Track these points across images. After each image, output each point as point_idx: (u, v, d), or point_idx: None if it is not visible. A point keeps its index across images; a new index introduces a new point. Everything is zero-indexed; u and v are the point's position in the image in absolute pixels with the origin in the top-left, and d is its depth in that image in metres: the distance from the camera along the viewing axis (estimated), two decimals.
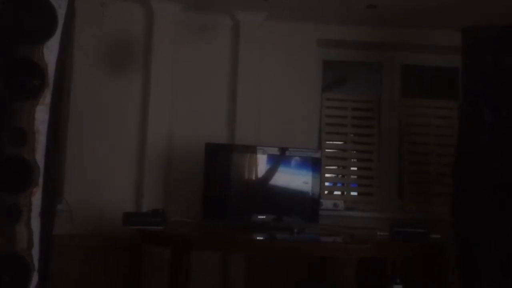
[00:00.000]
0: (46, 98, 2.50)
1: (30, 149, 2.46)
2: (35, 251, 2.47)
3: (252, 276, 3.96)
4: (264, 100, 4.13)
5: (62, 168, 3.73)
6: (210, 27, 4.13)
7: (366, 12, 3.89)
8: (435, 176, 4.25)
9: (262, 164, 3.74)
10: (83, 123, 3.83)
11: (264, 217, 3.66)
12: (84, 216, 3.74)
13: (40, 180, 2.48)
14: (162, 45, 3.96)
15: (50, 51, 2.52)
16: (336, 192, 4.44)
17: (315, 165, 3.77)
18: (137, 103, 3.98)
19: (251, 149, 3.77)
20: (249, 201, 3.71)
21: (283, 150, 3.75)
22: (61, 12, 2.55)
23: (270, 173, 3.74)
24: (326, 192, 4.30)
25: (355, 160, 4.44)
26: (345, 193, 4.40)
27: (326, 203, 4.02)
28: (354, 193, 4.38)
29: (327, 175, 4.29)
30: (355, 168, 4.41)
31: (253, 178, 3.77)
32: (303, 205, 3.74)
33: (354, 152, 4.39)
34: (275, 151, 3.76)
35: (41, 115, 2.49)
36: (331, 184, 4.39)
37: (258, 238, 3.38)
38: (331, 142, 4.37)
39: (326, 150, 4.28)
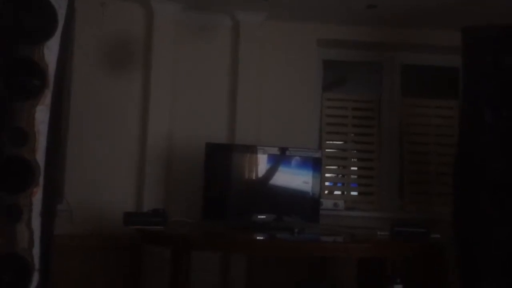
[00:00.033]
0: (46, 98, 2.51)
1: (30, 149, 2.47)
2: (36, 251, 2.47)
3: (252, 276, 3.96)
4: (264, 100, 4.13)
5: (62, 168, 3.73)
6: (210, 27, 4.13)
7: (366, 12, 3.89)
8: (435, 176, 4.25)
9: (262, 164, 3.74)
10: (83, 123, 3.83)
11: (264, 217, 3.66)
12: (84, 216, 3.74)
13: (41, 180, 2.49)
14: (162, 45, 3.96)
15: (50, 51, 2.52)
16: (336, 192, 4.44)
17: (315, 165, 3.77)
18: (137, 103, 3.98)
19: (251, 149, 3.77)
20: (249, 201, 3.71)
21: (283, 150, 3.75)
22: (61, 12, 2.55)
23: (270, 173, 3.74)
24: (326, 192, 4.30)
25: (355, 160, 4.44)
26: (345, 193, 4.41)
27: (326, 203, 4.02)
28: (354, 193, 4.38)
29: (327, 175, 4.29)
30: (355, 168, 4.41)
31: (253, 178, 3.77)
32: (303, 205, 3.74)
33: (354, 152, 4.40)
34: (275, 151, 3.76)
35: (41, 115, 2.49)
36: (331, 184, 4.40)
37: (258, 238, 3.37)
38: (331, 142, 4.38)
39: (326, 150, 4.28)
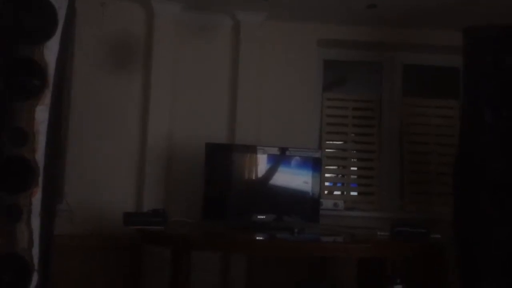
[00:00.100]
0: (46, 98, 2.50)
1: (30, 149, 2.46)
2: (35, 251, 2.47)
3: (252, 276, 3.96)
4: (264, 100, 4.13)
5: (62, 168, 3.73)
6: (210, 27, 4.13)
7: (366, 12, 3.89)
8: (436, 176, 4.25)
9: (262, 164, 3.74)
10: (83, 123, 3.83)
11: (264, 217, 3.66)
12: (84, 216, 3.75)
13: (40, 180, 2.48)
14: (162, 45, 3.96)
15: (50, 51, 2.52)
16: (336, 192, 4.44)
17: (315, 165, 3.77)
18: (137, 103, 3.98)
19: (251, 149, 3.76)
20: (249, 201, 3.71)
21: (283, 150, 3.75)
22: (61, 12, 2.54)
23: (270, 173, 3.74)
24: (326, 192, 4.30)
25: (355, 160, 4.44)
26: (345, 193, 4.41)
27: (326, 203, 4.02)
28: (354, 193, 4.38)
29: (327, 175, 4.29)
30: (355, 168, 4.41)
31: (253, 178, 3.77)
32: (303, 205, 3.74)
33: (355, 152, 4.39)
34: (275, 151, 3.76)
35: (41, 115, 2.49)
36: (331, 184, 4.39)
37: (258, 238, 3.37)
38: (331, 142, 4.38)
39: (326, 150, 4.28)
